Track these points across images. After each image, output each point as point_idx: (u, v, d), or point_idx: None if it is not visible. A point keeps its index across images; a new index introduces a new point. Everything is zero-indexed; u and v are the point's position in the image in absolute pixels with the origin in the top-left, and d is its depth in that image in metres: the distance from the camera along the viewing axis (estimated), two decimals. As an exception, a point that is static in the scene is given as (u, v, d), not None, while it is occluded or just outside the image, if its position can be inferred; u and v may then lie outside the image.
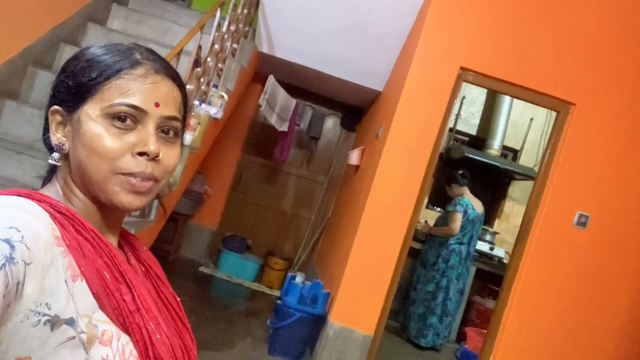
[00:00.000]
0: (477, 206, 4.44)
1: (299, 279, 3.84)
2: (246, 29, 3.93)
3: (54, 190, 0.69)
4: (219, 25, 3.21)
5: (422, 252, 4.60)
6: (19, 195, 0.61)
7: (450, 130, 5.35)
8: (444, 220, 4.47)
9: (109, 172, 0.65)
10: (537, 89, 3.19)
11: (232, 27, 3.54)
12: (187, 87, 2.96)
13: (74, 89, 0.67)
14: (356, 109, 5.51)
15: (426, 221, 4.95)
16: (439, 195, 5.22)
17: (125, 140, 0.65)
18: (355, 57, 4.07)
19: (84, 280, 0.60)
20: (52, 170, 0.72)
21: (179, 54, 2.70)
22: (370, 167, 3.58)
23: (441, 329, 4.35)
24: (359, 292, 3.23)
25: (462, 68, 3.20)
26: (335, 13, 3.74)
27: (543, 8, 3.20)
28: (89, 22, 3.57)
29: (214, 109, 3.35)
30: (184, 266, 5.13)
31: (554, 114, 3.36)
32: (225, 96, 3.45)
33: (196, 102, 3.14)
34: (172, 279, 4.10)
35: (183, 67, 2.87)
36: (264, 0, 3.82)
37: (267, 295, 5.00)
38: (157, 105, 0.67)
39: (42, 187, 0.73)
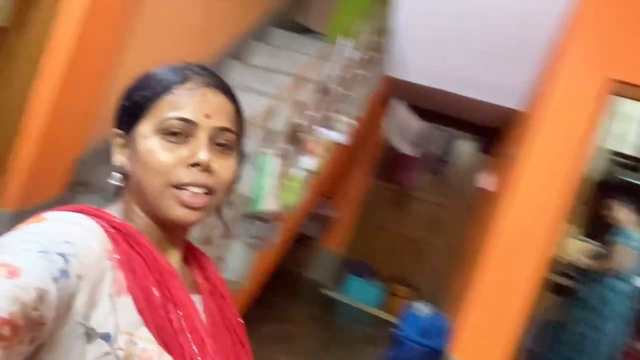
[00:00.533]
0: None
1: (422, 308, 3.67)
2: (374, 55, 3.94)
3: (114, 209, 0.71)
4: (345, 53, 3.26)
5: (576, 289, 4.08)
6: (75, 211, 0.63)
7: (605, 151, 4.71)
8: (605, 254, 3.90)
9: (163, 186, 0.65)
10: None
11: (359, 54, 3.57)
12: (311, 113, 3.05)
13: (129, 110, 0.69)
14: (491, 130, 5.16)
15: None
16: (596, 226, 4.61)
17: (178, 154, 0.65)
18: (491, 75, 3.82)
19: (129, 296, 0.60)
20: (118, 192, 0.74)
21: (302, 82, 2.79)
22: (504, 191, 3.31)
23: None
24: (486, 327, 2.96)
25: (612, 80, 2.80)
26: (467, 32, 3.57)
27: None
28: (231, 60, 3.86)
29: (338, 135, 3.39)
30: (309, 288, 5.22)
31: None
32: (351, 121, 3.48)
33: (320, 129, 3.21)
34: (296, 300, 4.21)
35: (307, 95, 2.95)
36: (396, 27, 3.78)
37: (391, 324, 4.86)
38: (207, 117, 0.67)
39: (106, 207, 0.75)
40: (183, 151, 0.65)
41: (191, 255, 0.79)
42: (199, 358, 0.64)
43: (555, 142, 2.88)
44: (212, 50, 3.65)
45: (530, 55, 3.53)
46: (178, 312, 0.64)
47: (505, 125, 4.72)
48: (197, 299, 0.72)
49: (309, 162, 3.13)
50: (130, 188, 0.70)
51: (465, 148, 5.40)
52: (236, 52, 3.93)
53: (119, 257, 0.61)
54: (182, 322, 0.64)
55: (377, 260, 5.45)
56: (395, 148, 4.50)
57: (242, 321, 0.79)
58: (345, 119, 3.46)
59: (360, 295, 5.14)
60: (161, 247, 0.70)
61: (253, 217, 2.61)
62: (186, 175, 0.65)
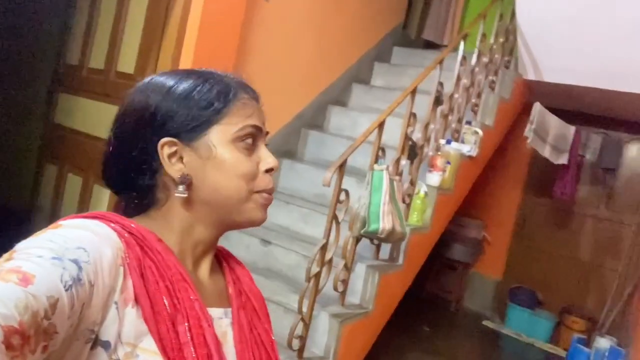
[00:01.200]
0: None
1: (599, 342, 3.13)
2: (505, 58, 3.64)
3: (146, 218, 0.69)
4: (464, 59, 3.06)
5: None
6: (94, 217, 0.62)
7: None
8: None
9: (249, 192, 0.68)
10: None
11: (485, 59, 3.33)
12: (431, 126, 2.89)
13: (194, 118, 0.67)
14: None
15: None
16: None
17: (253, 160, 0.69)
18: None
19: (135, 306, 0.59)
20: (138, 206, 0.71)
21: (413, 94, 2.67)
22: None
23: None
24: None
25: None
26: (605, 17, 3.08)
27: None
28: (354, 83, 3.92)
29: (466, 147, 3.16)
30: (467, 319, 4.86)
31: None
32: (480, 132, 3.21)
33: (443, 141, 3.02)
34: (454, 330, 3.98)
35: (422, 107, 2.82)
36: (521, 24, 3.46)
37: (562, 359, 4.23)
38: (264, 124, 0.72)
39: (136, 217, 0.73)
40: (255, 157, 0.70)
41: (227, 265, 0.77)
42: None
43: None
44: (332, 76, 3.74)
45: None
46: (185, 323, 0.61)
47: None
48: (223, 312, 0.70)
49: (433, 178, 2.96)
50: (191, 197, 0.68)
51: (634, 152, 4.59)
52: (358, 75, 3.97)
53: (129, 262, 0.60)
54: (188, 334, 0.60)
55: (542, 286, 4.82)
56: (545, 157, 4.02)
57: (274, 339, 0.76)
58: (473, 129, 3.21)
59: (526, 327, 4.60)
60: (195, 255, 0.70)
61: (370, 237, 2.52)
62: (267, 181, 0.70)
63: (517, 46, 3.65)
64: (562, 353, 4.35)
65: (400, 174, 2.68)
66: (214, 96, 0.67)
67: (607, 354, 2.80)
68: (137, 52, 2.47)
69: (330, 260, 2.34)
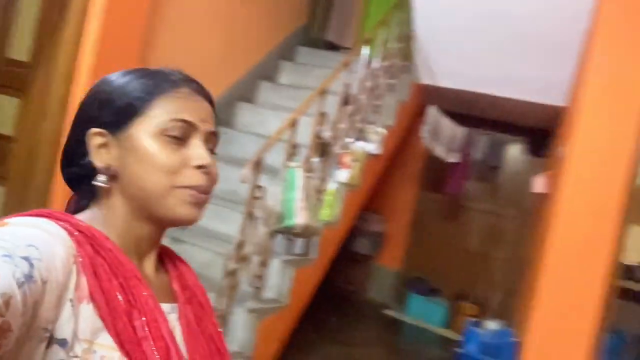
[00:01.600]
0: None
1: (488, 325, 3.46)
2: (403, 62, 3.88)
3: (89, 214, 0.69)
4: (369, 62, 3.23)
5: None
6: (40, 215, 0.62)
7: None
8: None
9: (169, 187, 0.66)
10: None
11: (386, 63, 3.53)
12: (340, 125, 3.01)
13: (120, 109, 0.68)
14: (539, 130, 4.89)
15: None
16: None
17: (180, 155, 0.67)
18: (527, 72, 3.64)
19: (91, 303, 0.59)
20: (85, 197, 0.72)
21: (323, 94, 2.77)
22: (556, 193, 3.09)
23: None
24: (554, 341, 2.72)
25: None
26: (496, 30, 3.43)
27: None
28: (260, 80, 3.94)
29: (371, 145, 3.32)
30: (369, 308, 5.10)
31: None
32: (383, 131, 3.40)
33: (350, 140, 3.16)
34: (357, 320, 4.12)
35: (329, 107, 2.93)
36: (418, 31, 3.72)
37: (457, 342, 4.60)
38: (203, 121, 0.70)
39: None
40: (184, 153, 0.67)
41: (170, 262, 0.77)
42: None
43: (603, 136, 2.67)
44: (238, 72, 3.74)
45: (568, 47, 3.34)
46: (142, 318, 0.62)
47: (553, 124, 4.45)
48: (170, 307, 0.70)
49: (341, 175, 3.08)
50: (117, 189, 0.68)
51: (516, 152, 5.14)
52: (264, 72, 4.00)
53: (82, 260, 0.60)
54: (146, 329, 0.61)
55: (437, 276, 5.22)
56: (438, 156, 4.35)
57: (221, 331, 0.77)
58: (376, 129, 3.39)
59: (424, 314, 4.93)
60: (138, 251, 0.70)
61: (286, 232, 2.57)
62: (193, 177, 0.67)
63: (414, 52, 3.92)
64: (456, 337, 4.72)
65: (313, 171, 2.76)
66: (142, 89, 0.68)
67: (497, 334, 3.12)
68: (31, 37, 2.30)
69: (246, 257, 2.36)
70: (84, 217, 0.68)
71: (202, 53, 3.34)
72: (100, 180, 0.68)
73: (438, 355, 4.31)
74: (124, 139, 0.67)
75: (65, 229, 0.61)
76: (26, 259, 0.51)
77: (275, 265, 2.64)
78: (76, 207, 0.72)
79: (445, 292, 5.15)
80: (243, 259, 2.36)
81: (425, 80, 4.06)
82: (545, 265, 2.76)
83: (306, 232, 2.54)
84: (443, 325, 4.90)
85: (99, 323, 0.58)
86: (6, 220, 0.58)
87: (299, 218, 2.42)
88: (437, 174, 5.24)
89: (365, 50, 3.18)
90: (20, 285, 0.49)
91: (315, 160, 2.77)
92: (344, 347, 3.95)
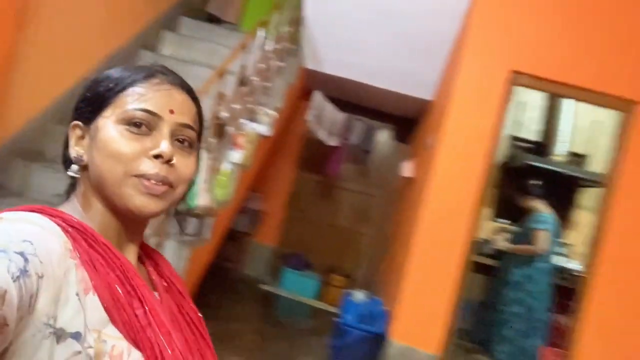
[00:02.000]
0: (555, 219, 4.16)
1: (359, 296, 3.75)
2: (291, 46, 3.97)
3: (71, 206, 0.69)
4: (263, 45, 3.26)
5: (503, 270, 4.34)
6: (32, 210, 0.61)
7: (511, 137, 5.09)
8: (525, 237, 4.21)
9: (124, 175, 0.65)
10: (597, 89, 2.96)
11: (277, 46, 3.59)
12: (234, 106, 3.02)
13: (90, 100, 0.69)
14: (408, 120, 5.39)
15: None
16: (507, 207, 4.96)
17: (141, 144, 0.66)
18: (403, 66, 3.99)
19: (95, 294, 0.60)
20: (71, 187, 0.73)
21: (222, 74, 2.75)
22: (423, 178, 3.47)
23: (534, 352, 4.08)
24: (420, 310, 3.10)
25: (513, 71, 3.04)
26: (378, 24, 3.69)
27: (598, 3, 3.00)
28: (141, 50, 3.73)
29: (262, 127, 3.38)
30: (246, 284, 5.19)
31: (623, 115, 3.11)
32: (273, 113, 3.48)
33: (244, 121, 3.19)
34: (234, 296, 4.16)
35: (228, 87, 2.92)
36: (308, 17, 3.84)
37: (330, 313, 4.93)
38: (171, 112, 0.68)
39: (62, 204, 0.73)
40: (146, 143, 0.66)
41: (144, 253, 0.78)
42: (169, 351, 0.64)
43: (467, 130, 3.07)
44: (119, 40, 3.50)
45: (440, 47, 3.73)
46: (145, 307, 0.64)
47: (420, 115, 4.94)
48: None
49: (235, 156, 3.11)
50: (88, 180, 0.69)
51: (385, 138, 5.59)
52: (146, 42, 3.79)
53: (80, 255, 0.60)
54: (149, 317, 0.64)
55: (311, 251, 5.50)
56: (319, 139, 4.57)
57: (201, 315, 0.79)
58: (267, 111, 3.46)
59: (298, 287, 5.17)
60: (119, 243, 0.70)
61: (186, 213, 2.54)
62: (149, 166, 0.65)
63: (302, 37, 4.03)
64: (327, 307, 5.07)
65: (210, 152, 2.74)
66: (114, 81, 0.68)
67: (369, 304, 3.43)
68: None
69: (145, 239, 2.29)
70: (67, 209, 0.68)
71: (83, 21, 3.07)
72: (73, 170, 0.69)
73: (310, 325, 4.59)
74: (93, 129, 0.68)
75: (59, 224, 0.61)
76: (21, 254, 0.51)
77: (170, 247, 2.60)
78: (66, 198, 0.73)
79: (317, 266, 5.46)
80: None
81: (310, 65, 4.21)
82: (414, 242, 3.12)
83: (206, 213, 2.54)
84: (314, 297, 5.18)
85: (103, 314, 0.60)
86: (0, 215, 0.58)
87: (201, 199, 2.41)
88: (314, 155, 5.49)
89: (261, 32, 3.20)
90: (15, 279, 0.49)
91: (216, 141, 2.76)
92: (223, 323, 4.00)
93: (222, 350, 3.35)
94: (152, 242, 2.39)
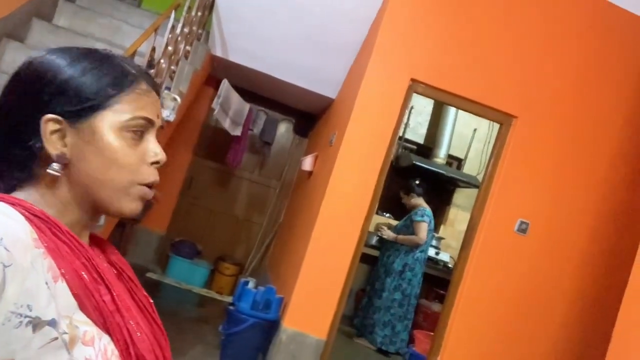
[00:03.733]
0: (431, 215, 4.62)
1: (252, 284, 3.81)
2: (200, 31, 3.89)
3: (26, 194, 0.68)
4: (173, 27, 3.17)
5: (384, 259, 4.67)
6: None
7: (400, 138, 5.50)
8: (407, 229, 4.59)
9: (129, 183, 0.68)
10: (482, 102, 3.34)
11: (186, 30, 3.50)
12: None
13: (81, 101, 0.66)
14: (309, 115, 5.56)
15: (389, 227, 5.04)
16: (390, 202, 5.34)
17: (139, 151, 0.69)
18: (309, 63, 4.11)
19: (64, 281, 0.60)
20: (18, 174, 0.69)
21: (132, 55, 2.64)
22: (324, 173, 3.63)
23: (405, 334, 4.48)
24: (312, 297, 3.26)
25: (412, 80, 3.31)
26: (290, 19, 3.77)
27: (493, 24, 3.37)
28: (34, 18, 3.42)
29: (166, 112, 3.29)
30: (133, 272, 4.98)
31: (497, 125, 3.53)
32: (178, 99, 3.40)
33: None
34: (120, 285, 3.96)
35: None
36: (218, 3, 3.79)
37: (218, 301, 4.94)
38: (158, 117, 0.73)
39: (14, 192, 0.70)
40: (141, 148, 0.69)
41: (93, 242, 0.78)
42: (138, 334, 0.67)
43: (369, 131, 3.27)
44: (10, 5, 3.18)
45: (346, 49, 3.90)
46: (112, 293, 0.65)
47: (321, 111, 5.11)
48: None
49: (138, 140, 2.99)
50: (65, 177, 0.67)
51: (286, 131, 5.69)
52: (40, 10, 3.48)
53: (46, 244, 0.60)
54: (117, 302, 0.66)
55: (202, 239, 5.44)
56: (220, 127, 4.53)
57: (152, 301, 0.81)
58: (172, 95, 3.37)
59: (186, 275, 5.09)
60: (76, 233, 0.70)
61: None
62: (150, 174, 0.70)
63: (210, 22, 3.97)
64: (215, 295, 5.06)
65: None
66: (109, 81, 0.68)
67: (262, 292, 3.51)
68: None
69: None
70: (19, 196, 0.67)
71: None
72: (54, 169, 0.67)
73: (198, 313, 4.55)
74: (83, 130, 0.66)
75: (22, 213, 0.61)
76: None
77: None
78: (5, 187, 0.70)
79: (208, 254, 5.41)
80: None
81: (217, 52, 4.16)
82: (312, 233, 3.27)
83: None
84: (202, 285, 5.14)
85: (73, 301, 0.61)
86: None
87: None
88: (213, 143, 5.42)
89: (172, 15, 3.10)
90: None
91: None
92: (106, 312, 3.85)
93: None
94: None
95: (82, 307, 0.62)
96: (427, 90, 3.34)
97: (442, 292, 4.96)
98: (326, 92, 4.39)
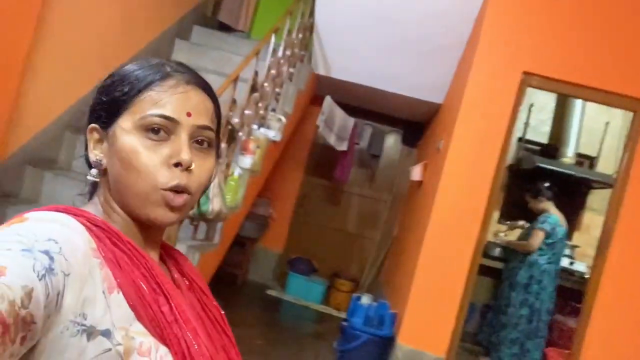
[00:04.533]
0: (563, 222, 4.18)
1: (365, 300, 3.76)
2: (302, 52, 4.01)
3: (93, 207, 0.70)
4: (275, 51, 3.29)
5: (508, 272, 4.35)
6: (56, 210, 0.62)
7: (520, 139, 5.10)
8: (528, 236, 4.23)
9: (148, 187, 0.65)
10: (610, 89, 2.98)
11: (288, 52, 3.62)
12: (246, 112, 3.04)
13: (107, 104, 0.68)
14: (417, 124, 5.41)
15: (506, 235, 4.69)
16: (515, 209, 4.97)
17: (160, 153, 0.65)
18: (411, 71, 4.02)
19: (120, 292, 0.60)
20: (94, 188, 0.73)
21: (235, 81, 2.78)
22: (433, 182, 3.48)
23: (537, 353, 4.09)
24: (427, 313, 3.11)
25: (525, 73, 3.06)
26: (387, 30, 3.72)
27: (607, 3, 3.01)
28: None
29: (272, 132, 3.41)
30: (252, 289, 5.20)
31: (631, 115, 3.12)
32: (283, 119, 3.51)
33: (255, 127, 3.21)
34: (240, 302, 4.17)
35: (240, 94, 2.95)
36: (318, 24, 3.87)
37: (335, 318, 4.94)
38: (189, 115, 0.66)
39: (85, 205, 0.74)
40: (165, 150, 0.65)
41: (165, 252, 0.79)
42: (195, 346, 0.64)
43: (478, 133, 3.08)
44: (133, 49, 3.54)
45: (450, 50, 3.75)
46: (170, 303, 0.64)
47: (429, 119, 4.96)
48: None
49: (245, 161, 3.13)
50: (107, 184, 0.69)
51: (394, 142, 5.61)
52: (159, 51, 3.84)
53: (104, 254, 0.61)
54: (175, 313, 0.64)
55: (317, 256, 5.51)
56: (327, 144, 4.59)
57: (224, 313, 0.79)
58: (277, 116, 3.49)
59: (303, 292, 5.18)
60: (140, 244, 0.70)
61: (198, 218, 2.57)
62: (171, 177, 0.65)
63: (312, 43, 4.06)
64: (332, 311, 5.07)
65: (221, 157, 2.77)
66: (130, 84, 0.67)
67: (376, 307, 3.44)
68: None
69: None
70: (90, 210, 0.68)
71: (98, 30, 3.10)
72: (91, 174, 0.69)
73: (315, 329, 4.59)
74: (110, 135, 0.67)
75: (83, 224, 0.62)
76: (46, 252, 0.52)
77: (181, 251, 2.61)
78: (88, 199, 0.73)
79: (323, 271, 5.47)
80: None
81: (320, 71, 4.24)
82: (424, 245, 3.13)
83: (218, 217, 2.56)
84: (320, 301, 5.19)
85: (129, 312, 0.60)
86: (25, 215, 0.59)
87: (213, 204, 2.43)
88: (323, 160, 5.51)
89: (272, 39, 3.23)
90: (40, 277, 0.50)
91: (223, 146, 2.79)
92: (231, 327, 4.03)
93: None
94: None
95: (139, 318, 0.61)
96: (544, 82, 3.06)
97: (578, 305, 4.45)
98: (432, 98, 4.24)
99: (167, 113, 0.65)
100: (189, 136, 0.66)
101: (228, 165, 2.97)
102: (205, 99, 0.70)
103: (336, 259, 5.58)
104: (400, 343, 3.11)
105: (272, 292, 5.20)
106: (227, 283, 5.05)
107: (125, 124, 0.66)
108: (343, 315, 4.93)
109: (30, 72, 2.23)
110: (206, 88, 0.71)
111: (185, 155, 0.65)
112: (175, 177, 0.65)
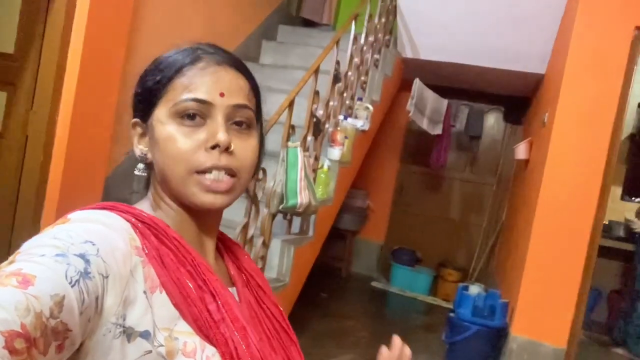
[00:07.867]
0: None
1: (474, 289, 3.57)
2: (386, 37, 3.89)
3: (147, 202, 0.70)
4: (356, 39, 3.22)
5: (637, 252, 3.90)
6: (103, 208, 0.62)
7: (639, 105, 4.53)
8: None
9: (186, 173, 0.63)
10: None
11: (371, 38, 3.53)
12: (330, 103, 3.01)
13: (143, 96, 0.68)
14: (519, 99, 5.01)
15: None
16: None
17: (197, 138, 0.63)
18: (506, 42, 3.72)
19: (163, 292, 0.59)
20: (148, 183, 0.73)
21: (316, 73, 2.76)
22: (539, 159, 3.20)
23: None
24: (542, 301, 2.86)
25: (638, 28, 2.68)
26: (473, 2, 3.47)
27: None
28: (244, 62, 3.88)
29: (360, 122, 3.35)
30: (357, 282, 5.19)
31: None
32: (371, 107, 3.43)
33: (341, 117, 3.18)
34: (345, 294, 4.16)
35: (322, 86, 2.92)
36: (401, 6, 3.73)
37: (444, 309, 4.75)
38: (222, 95, 0.64)
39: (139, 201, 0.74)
40: (201, 134, 0.63)
41: (223, 246, 0.77)
42: (243, 346, 0.61)
43: (587, 102, 2.77)
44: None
45: (547, 14, 3.42)
46: (217, 301, 0.62)
47: (533, 92, 4.57)
48: (232, 292, 0.69)
49: (334, 153, 3.11)
50: (156, 177, 0.68)
51: (495, 121, 5.26)
52: (247, 53, 3.94)
53: (147, 252, 0.60)
54: (222, 311, 0.62)
55: (420, 246, 5.34)
56: (421, 129, 4.42)
57: (282, 309, 0.77)
58: (364, 105, 3.41)
59: (409, 283, 5.06)
60: (195, 236, 0.69)
61: (288, 212, 2.59)
62: (207, 158, 0.63)
63: (396, 26, 3.93)
64: (441, 302, 4.88)
65: (309, 150, 2.77)
66: (161, 73, 0.66)
67: (485, 297, 3.24)
68: (16, 27, 2.20)
69: (251, 239, 2.37)
70: (141, 205, 0.68)
71: (185, 36, 3.25)
72: (139, 169, 0.69)
73: (424, 321, 4.45)
74: (150, 127, 0.66)
75: (129, 220, 0.61)
76: (81, 256, 0.51)
77: (275, 245, 2.66)
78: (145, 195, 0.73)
79: (428, 260, 5.29)
80: (248, 241, 2.37)
81: (407, 54, 4.09)
82: (534, 229, 2.88)
83: (307, 211, 2.56)
84: (427, 292, 5.03)
85: (173, 310, 0.59)
86: (68, 216, 0.59)
87: (301, 197, 2.43)
88: (417, 146, 5.33)
89: (352, 27, 3.17)
90: (74, 283, 0.49)
91: (310, 138, 2.78)
92: (335, 320, 4.02)
93: (333, 347, 3.39)
94: (257, 241, 2.47)
95: (184, 317, 0.59)
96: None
97: None
98: (533, 69, 3.89)
99: (199, 96, 0.63)
100: (225, 117, 0.64)
101: (317, 158, 2.96)
102: (238, 77, 0.67)
103: (441, 248, 5.36)
104: (514, 334, 2.90)
105: (377, 284, 5.15)
106: (331, 276, 5.09)
107: (161, 113, 0.65)
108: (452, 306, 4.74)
109: (124, 85, 2.38)
110: (240, 66, 0.69)
111: (222, 136, 0.63)
112: (210, 159, 0.63)
